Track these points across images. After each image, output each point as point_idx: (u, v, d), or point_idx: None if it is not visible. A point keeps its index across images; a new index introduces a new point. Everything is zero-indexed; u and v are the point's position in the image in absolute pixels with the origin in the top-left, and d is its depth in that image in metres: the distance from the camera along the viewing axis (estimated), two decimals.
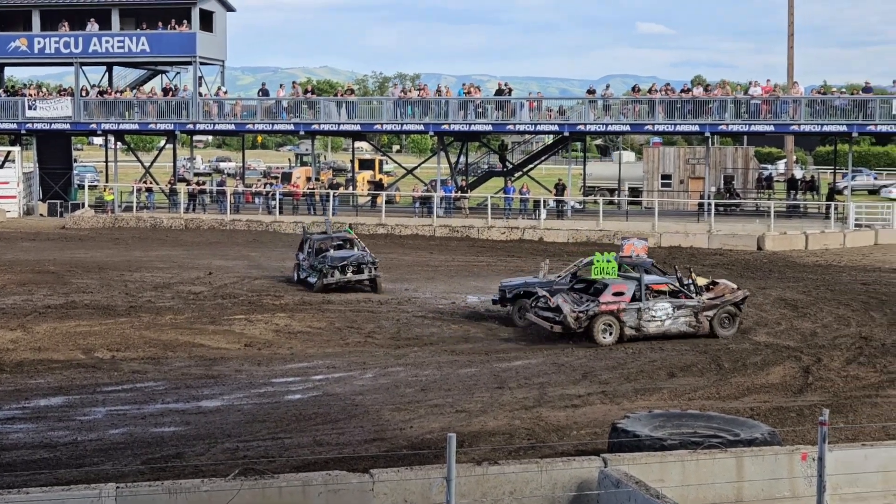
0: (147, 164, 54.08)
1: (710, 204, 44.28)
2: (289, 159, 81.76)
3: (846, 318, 25.89)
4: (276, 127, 51.74)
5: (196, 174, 58.71)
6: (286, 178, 57.80)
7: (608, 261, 23.48)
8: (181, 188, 49.86)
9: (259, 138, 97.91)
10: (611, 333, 22.40)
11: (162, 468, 13.47)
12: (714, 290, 24.00)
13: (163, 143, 58.56)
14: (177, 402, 17.48)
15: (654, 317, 22.81)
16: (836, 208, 44.89)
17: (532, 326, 23.78)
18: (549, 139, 55.67)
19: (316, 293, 28.77)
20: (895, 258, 38.46)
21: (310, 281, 29.79)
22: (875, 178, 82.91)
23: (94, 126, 50.84)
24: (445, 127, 47.56)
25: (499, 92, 49.16)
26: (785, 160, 70.61)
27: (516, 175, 53.48)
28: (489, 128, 48.50)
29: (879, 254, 39.74)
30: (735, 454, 11.76)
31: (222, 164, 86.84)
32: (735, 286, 24.46)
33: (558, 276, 25.68)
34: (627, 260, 25.16)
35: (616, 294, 22.63)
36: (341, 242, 31.24)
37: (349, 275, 29.32)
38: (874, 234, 43.65)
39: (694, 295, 23.35)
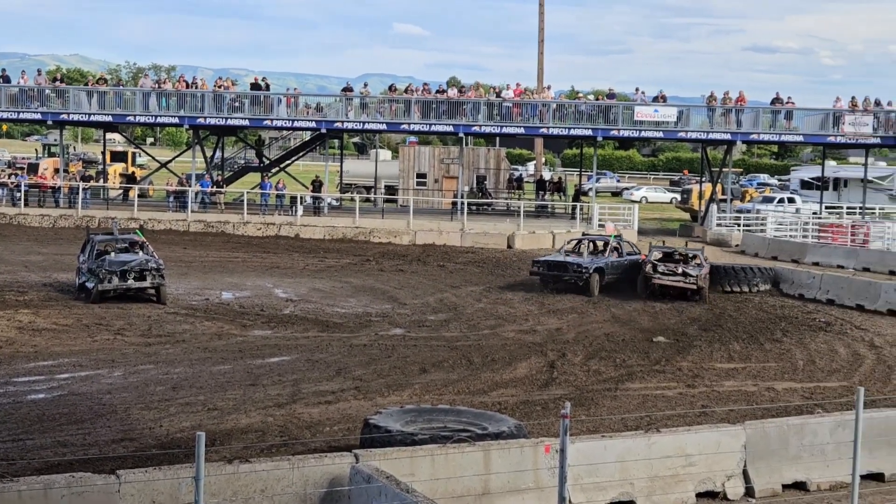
0: None
1: (463, 203, 45.26)
2: (35, 149, 78.33)
3: (589, 314, 27.04)
4: (22, 115, 49.51)
5: None
6: (32, 169, 55.40)
7: None
8: None
9: (3, 127, 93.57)
10: None
11: None
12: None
13: None
14: None
15: None
16: (581, 209, 46.70)
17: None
18: (307, 135, 55.55)
19: (92, 302, 25.80)
20: None
21: (88, 286, 26.43)
22: (618, 181, 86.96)
23: None
24: (201, 120, 46.74)
25: (255, 87, 48.69)
26: (534, 162, 72.97)
27: (273, 171, 53.15)
28: (246, 122, 47.99)
29: None
30: (483, 447, 12.06)
31: None
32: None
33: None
34: (615, 238, 33.10)
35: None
36: (127, 245, 28.07)
37: (129, 282, 26.16)
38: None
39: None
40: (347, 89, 48.68)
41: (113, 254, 27.23)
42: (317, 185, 48.46)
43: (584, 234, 36.01)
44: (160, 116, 48.05)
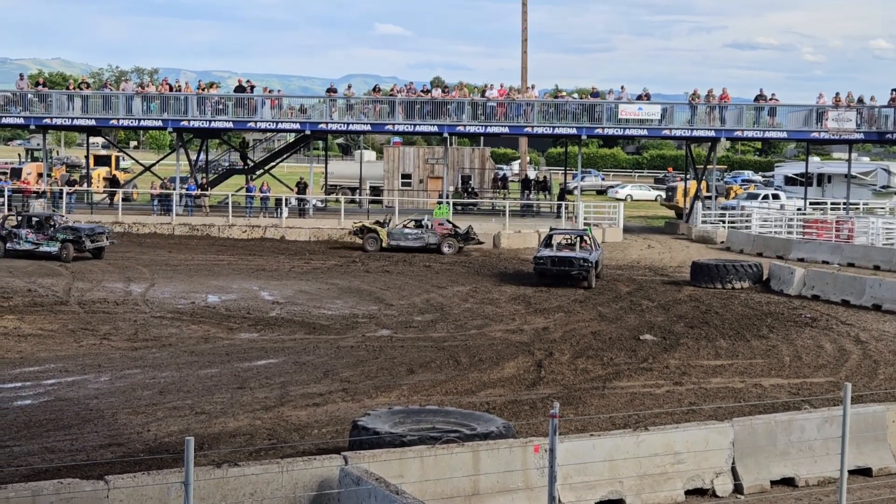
0: None
1: (448, 203, 45.23)
2: (19, 154, 77.95)
3: (576, 313, 27.05)
4: (5, 121, 49.28)
5: None
6: (16, 174, 55.22)
7: None
8: None
9: None
10: None
11: None
12: None
13: None
14: None
15: None
16: (566, 207, 46.76)
17: None
18: (291, 137, 55.48)
19: (73, 260, 34.16)
20: (620, 255, 40.44)
21: (45, 251, 34.70)
22: (602, 179, 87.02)
23: None
24: (185, 123, 46.65)
25: (239, 89, 48.60)
26: (519, 161, 73.00)
27: (258, 173, 53.05)
28: (230, 125, 47.92)
29: (606, 251, 41.58)
30: (472, 448, 12.05)
31: None
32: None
33: None
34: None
35: None
36: (55, 217, 36.87)
37: (94, 242, 35.12)
38: (601, 232, 45.63)
39: None
40: (331, 90, 48.63)
41: (71, 222, 36.53)
42: (301, 186, 48.41)
43: (552, 229, 36.87)
44: (144, 120, 47.94)
